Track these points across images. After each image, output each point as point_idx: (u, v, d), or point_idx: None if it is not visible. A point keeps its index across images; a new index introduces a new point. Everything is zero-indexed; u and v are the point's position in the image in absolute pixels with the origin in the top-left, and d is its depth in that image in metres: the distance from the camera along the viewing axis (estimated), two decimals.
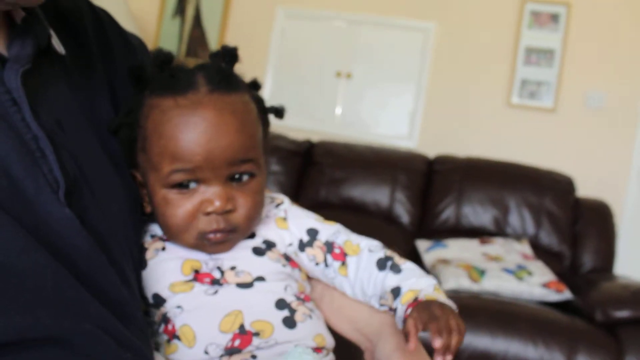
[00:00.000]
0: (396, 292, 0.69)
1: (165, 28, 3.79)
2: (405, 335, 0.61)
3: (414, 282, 0.69)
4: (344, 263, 0.74)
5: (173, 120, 0.66)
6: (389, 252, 0.74)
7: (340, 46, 3.52)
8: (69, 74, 0.64)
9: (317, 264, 0.75)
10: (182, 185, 0.68)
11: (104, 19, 0.75)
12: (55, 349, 0.50)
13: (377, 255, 0.73)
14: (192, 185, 0.68)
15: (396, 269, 0.71)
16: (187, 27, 3.75)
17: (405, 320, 0.64)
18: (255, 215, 0.71)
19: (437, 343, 0.58)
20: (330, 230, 0.77)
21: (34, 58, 0.57)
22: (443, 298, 0.66)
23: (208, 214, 0.68)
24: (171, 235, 0.71)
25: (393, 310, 0.69)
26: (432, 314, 0.61)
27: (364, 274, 0.73)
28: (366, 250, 0.74)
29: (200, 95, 0.67)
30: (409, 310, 0.64)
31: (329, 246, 0.75)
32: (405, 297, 0.67)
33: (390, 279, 0.71)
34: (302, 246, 0.75)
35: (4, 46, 0.57)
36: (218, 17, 3.69)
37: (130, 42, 0.78)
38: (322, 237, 0.76)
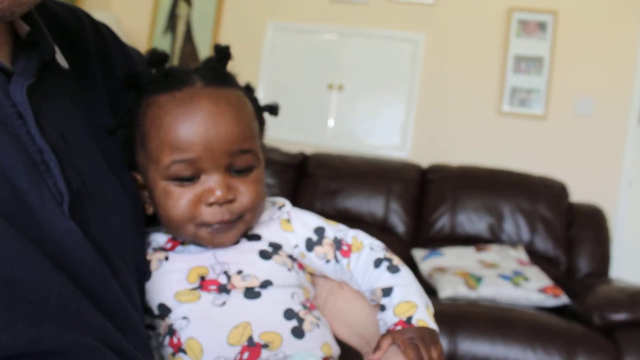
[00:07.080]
0: (387, 291, 0.71)
1: (156, 44, 3.79)
2: (377, 345, 0.65)
3: (407, 291, 0.70)
4: (349, 259, 0.76)
5: (171, 112, 0.68)
6: (388, 254, 0.76)
7: (331, 59, 3.54)
8: (72, 88, 0.65)
9: (327, 261, 0.76)
10: (182, 177, 0.68)
11: (105, 33, 0.75)
12: None
13: (376, 254, 0.75)
14: (192, 176, 0.68)
15: (392, 269, 0.73)
16: (179, 43, 3.76)
17: (388, 331, 0.67)
18: (257, 205, 0.72)
19: None
20: (337, 227, 0.78)
21: (38, 72, 0.57)
22: (432, 323, 0.68)
23: (210, 204, 0.68)
24: (172, 228, 0.71)
25: (380, 306, 0.71)
26: (418, 346, 0.64)
27: (361, 269, 0.75)
28: (368, 247, 0.76)
29: (196, 89, 0.69)
30: (398, 328, 0.66)
31: (338, 243, 0.77)
32: (400, 308, 0.68)
33: (385, 279, 0.72)
34: (311, 245, 0.76)
35: (8, 60, 0.57)
36: (209, 33, 3.71)
37: (130, 56, 0.79)
38: (330, 234, 0.77)
